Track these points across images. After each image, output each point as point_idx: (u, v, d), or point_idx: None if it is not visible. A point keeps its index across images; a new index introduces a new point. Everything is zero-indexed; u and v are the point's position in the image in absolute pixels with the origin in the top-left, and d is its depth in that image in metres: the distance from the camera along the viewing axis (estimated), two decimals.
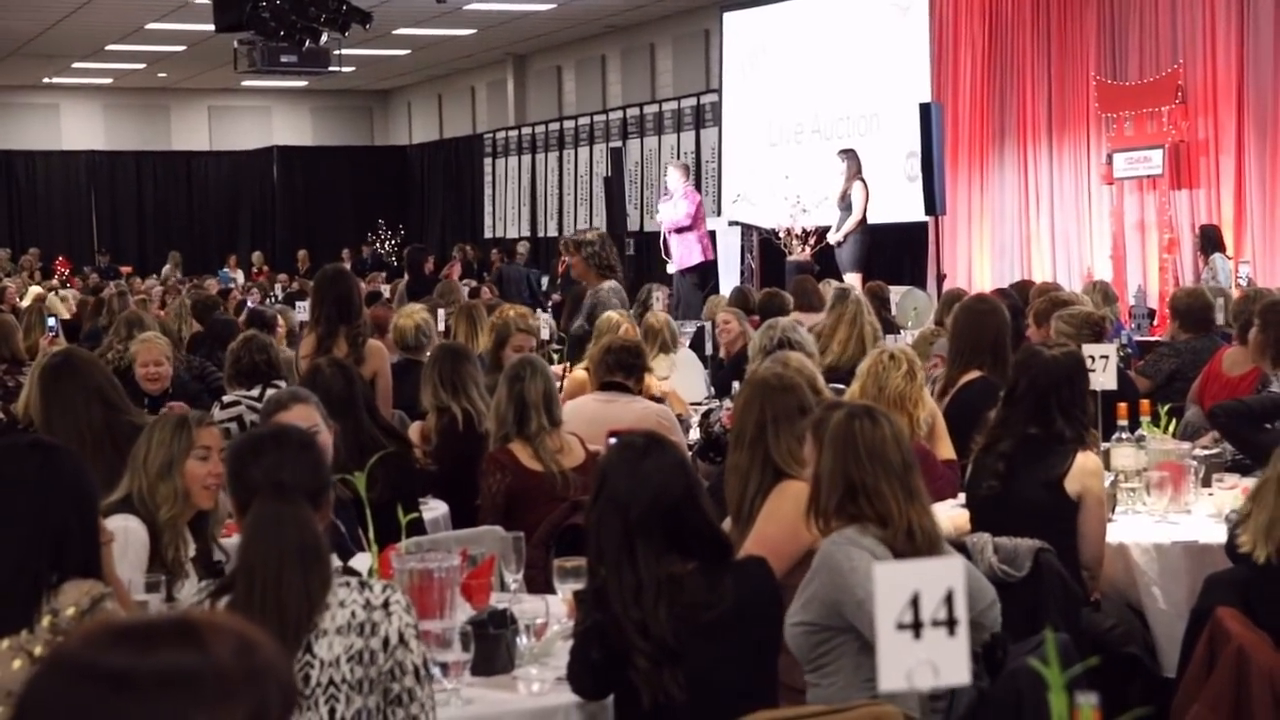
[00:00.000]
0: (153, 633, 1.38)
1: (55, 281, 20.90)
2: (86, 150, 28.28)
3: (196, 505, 4.30)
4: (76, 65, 24.95)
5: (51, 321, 11.70)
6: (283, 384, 6.80)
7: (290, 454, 3.15)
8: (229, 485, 3.23)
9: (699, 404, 8.06)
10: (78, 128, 28.13)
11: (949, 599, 1.91)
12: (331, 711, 2.94)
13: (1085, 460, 4.81)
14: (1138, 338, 10.24)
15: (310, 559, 2.99)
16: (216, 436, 4.37)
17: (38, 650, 3.07)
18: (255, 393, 6.65)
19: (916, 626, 1.90)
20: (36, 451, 3.29)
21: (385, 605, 3.01)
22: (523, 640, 3.70)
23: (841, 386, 6.10)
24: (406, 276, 17.84)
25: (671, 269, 16.30)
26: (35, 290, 17.22)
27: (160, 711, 1.33)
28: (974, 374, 6.31)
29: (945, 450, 5.78)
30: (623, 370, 6.40)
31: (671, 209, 16.15)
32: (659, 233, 17.47)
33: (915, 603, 1.90)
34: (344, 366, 5.59)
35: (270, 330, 9.64)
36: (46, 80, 26.58)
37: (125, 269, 23.66)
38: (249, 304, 14.65)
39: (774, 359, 5.59)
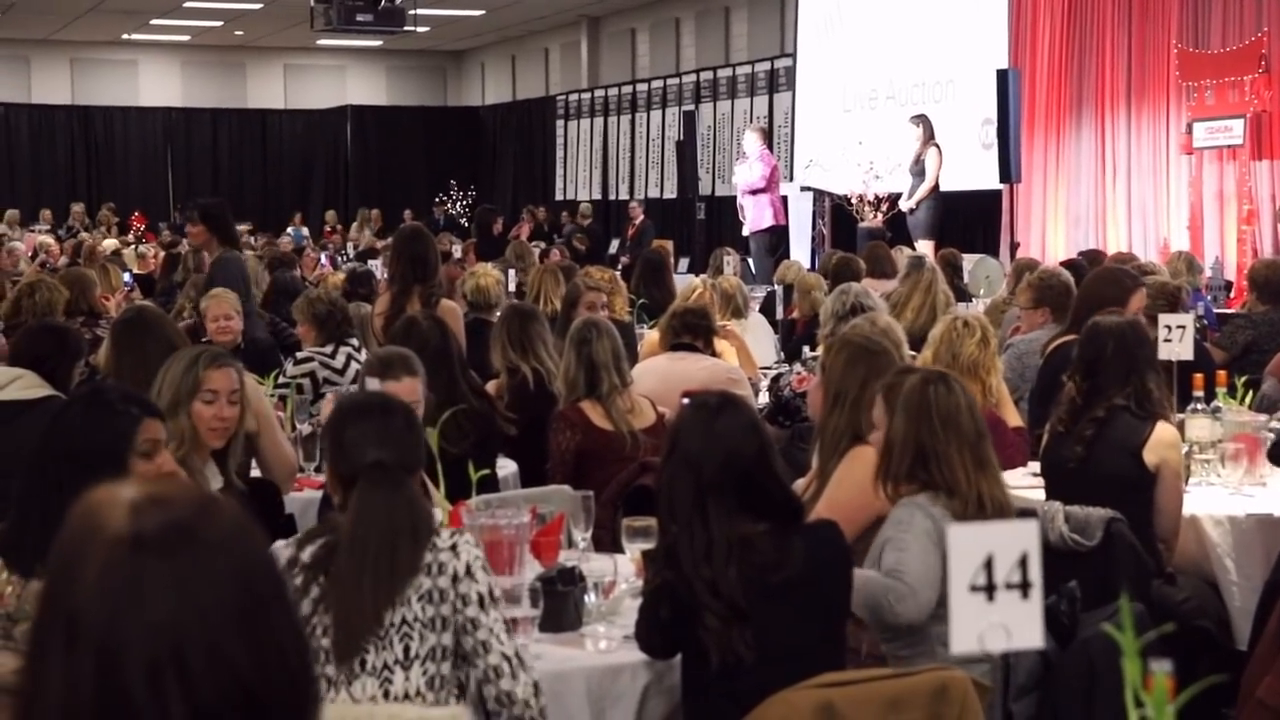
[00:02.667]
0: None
1: (131, 237, 21.10)
2: (164, 107, 28.51)
3: (207, 445, 4.25)
4: (155, 22, 25.14)
5: (126, 276, 11.85)
6: (354, 341, 6.84)
7: (395, 429, 3.18)
8: (327, 447, 3.25)
9: (768, 368, 8.06)
10: (155, 84, 28.37)
11: (1023, 562, 1.90)
12: (406, 649, 3.04)
13: (1163, 431, 4.76)
14: (1215, 310, 10.11)
15: (423, 533, 3.09)
16: (227, 379, 4.32)
17: None
18: (328, 350, 6.69)
19: (990, 589, 1.89)
20: (110, 402, 3.32)
21: (453, 548, 3.10)
22: (591, 598, 3.72)
23: (914, 354, 6.07)
24: (475, 237, 17.92)
25: (746, 231, 16.39)
26: (107, 245, 17.41)
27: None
28: (1069, 338, 6.22)
29: (1013, 417, 5.75)
30: (689, 332, 6.57)
31: (747, 171, 16.35)
32: (731, 197, 17.50)
33: (989, 565, 1.90)
34: (439, 321, 5.56)
35: (370, 288, 9.70)
36: (125, 37, 26.81)
37: None
38: (322, 260, 14.76)
39: (865, 318, 5.53)
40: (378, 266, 10.51)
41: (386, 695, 3.04)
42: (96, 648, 1.35)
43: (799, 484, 4.35)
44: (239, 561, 1.40)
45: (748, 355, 7.74)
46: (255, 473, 5.17)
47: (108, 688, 1.34)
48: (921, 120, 14.76)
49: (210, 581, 1.37)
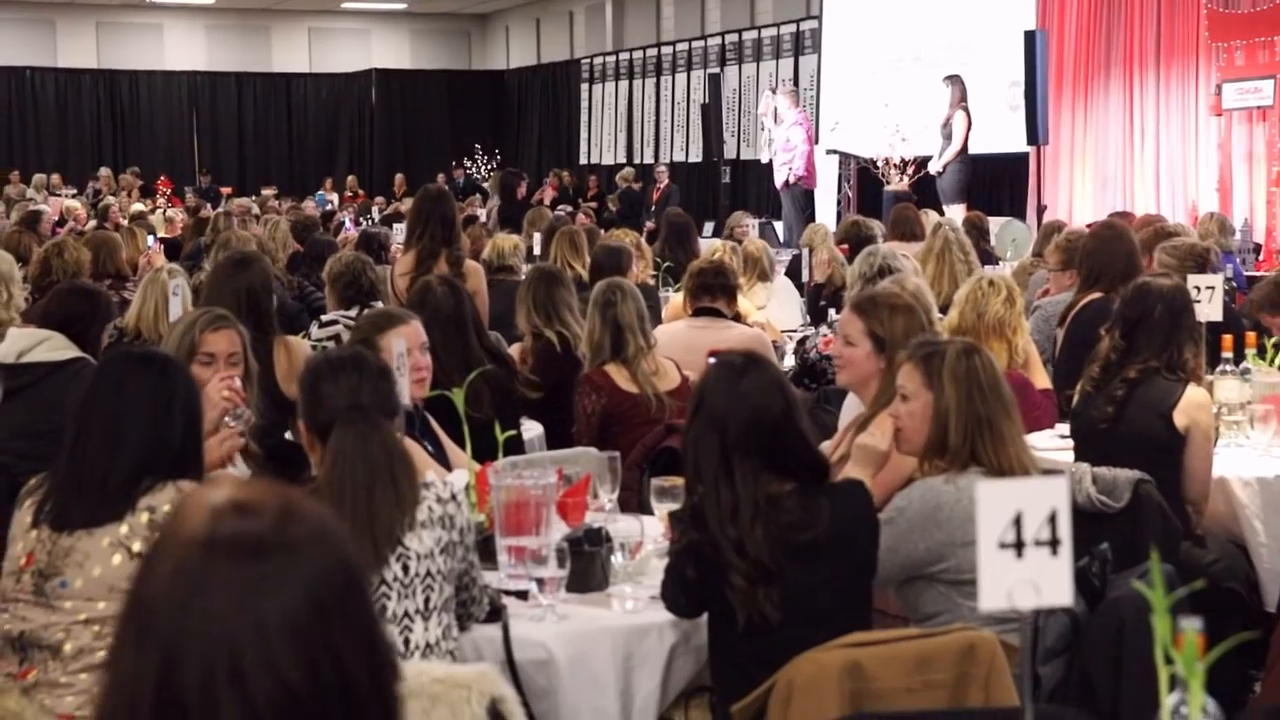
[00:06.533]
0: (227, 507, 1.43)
1: (160, 200, 21.14)
2: (188, 71, 28.52)
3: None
4: None
5: (150, 239, 11.88)
6: (379, 303, 6.84)
7: (369, 380, 3.23)
8: (301, 403, 3.27)
9: (794, 331, 8.04)
10: (180, 48, 28.36)
11: (1053, 519, 1.90)
12: (427, 600, 3.14)
13: (1195, 393, 4.73)
14: (1245, 273, 10.04)
15: (400, 474, 3.13)
16: (226, 341, 4.29)
17: (136, 546, 3.13)
18: (353, 313, 6.69)
19: (1019, 546, 1.89)
20: (153, 364, 3.33)
21: (454, 497, 3.23)
22: (617, 558, 3.72)
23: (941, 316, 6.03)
24: (499, 201, 17.90)
25: (778, 183, 16.43)
26: (135, 209, 17.46)
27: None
28: (1093, 296, 6.18)
29: (1041, 379, 5.71)
30: (708, 293, 6.41)
31: (781, 132, 16.37)
32: (755, 160, 17.46)
33: (1018, 522, 1.89)
34: (454, 285, 5.50)
35: (382, 251, 9.69)
36: (150, 0, 26.80)
37: (225, 190, 23.90)
38: (346, 224, 14.76)
39: (895, 279, 5.49)
40: (401, 230, 10.51)
41: (406, 644, 3.09)
42: (161, 647, 1.36)
43: (826, 446, 4.34)
44: (308, 575, 1.39)
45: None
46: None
47: (165, 687, 1.35)
48: (954, 81, 14.66)
49: (274, 592, 1.37)
